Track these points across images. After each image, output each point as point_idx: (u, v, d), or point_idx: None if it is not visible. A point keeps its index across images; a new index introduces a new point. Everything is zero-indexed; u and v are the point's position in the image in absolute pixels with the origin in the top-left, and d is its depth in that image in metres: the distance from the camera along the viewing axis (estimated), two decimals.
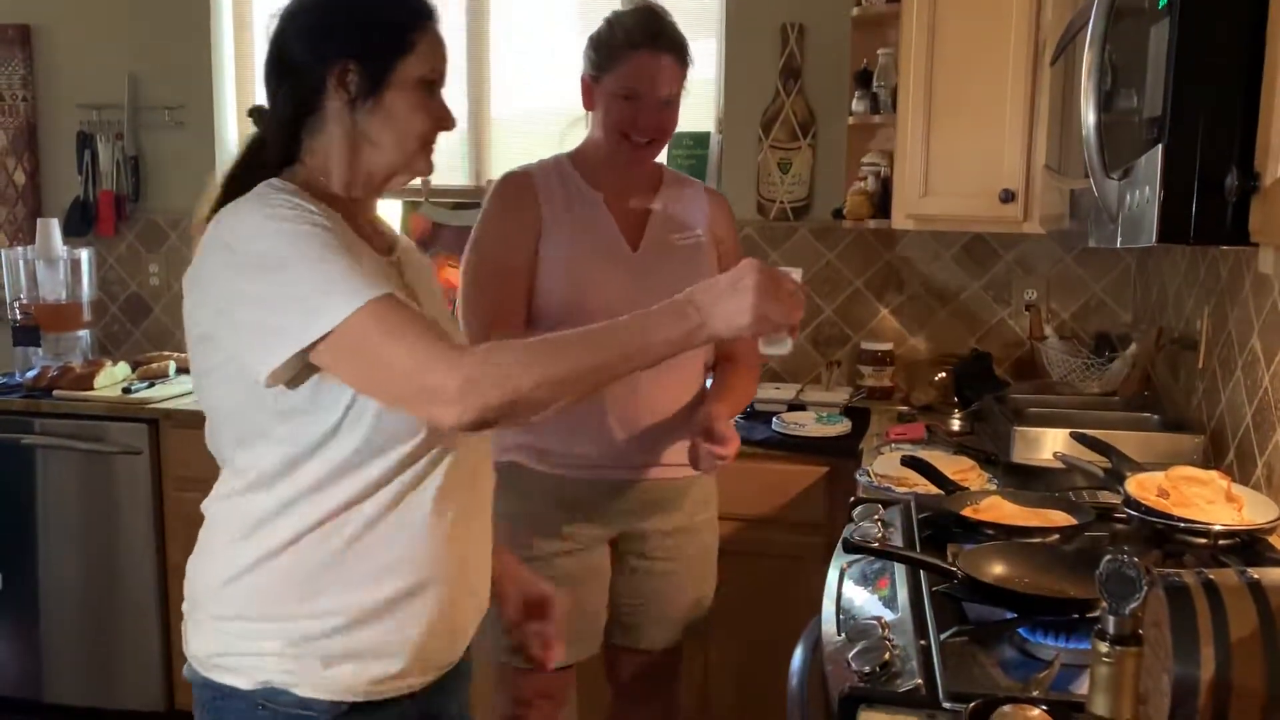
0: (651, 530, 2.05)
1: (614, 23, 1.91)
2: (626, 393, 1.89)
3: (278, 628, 1.29)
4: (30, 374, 3.16)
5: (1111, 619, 0.88)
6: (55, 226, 3.35)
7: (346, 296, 1.19)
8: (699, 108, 3.31)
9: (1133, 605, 0.87)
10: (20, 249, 3.35)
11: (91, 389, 3.06)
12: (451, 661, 1.42)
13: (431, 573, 1.33)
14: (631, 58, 1.87)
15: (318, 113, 1.33)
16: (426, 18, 1.36)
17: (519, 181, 1.96)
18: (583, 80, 1.95)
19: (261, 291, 1.21)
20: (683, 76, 1.93)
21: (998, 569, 1.48)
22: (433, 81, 1.36)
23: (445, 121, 1.38)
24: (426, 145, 1.38)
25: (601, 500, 1.98)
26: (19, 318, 3.33)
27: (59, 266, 3.32)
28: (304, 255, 1.21)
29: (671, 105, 1.92)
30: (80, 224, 3.59)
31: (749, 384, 2.12)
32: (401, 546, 1.31)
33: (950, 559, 1.53)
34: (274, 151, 1.35)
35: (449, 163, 3.44)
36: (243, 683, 1.30)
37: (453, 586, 1.36)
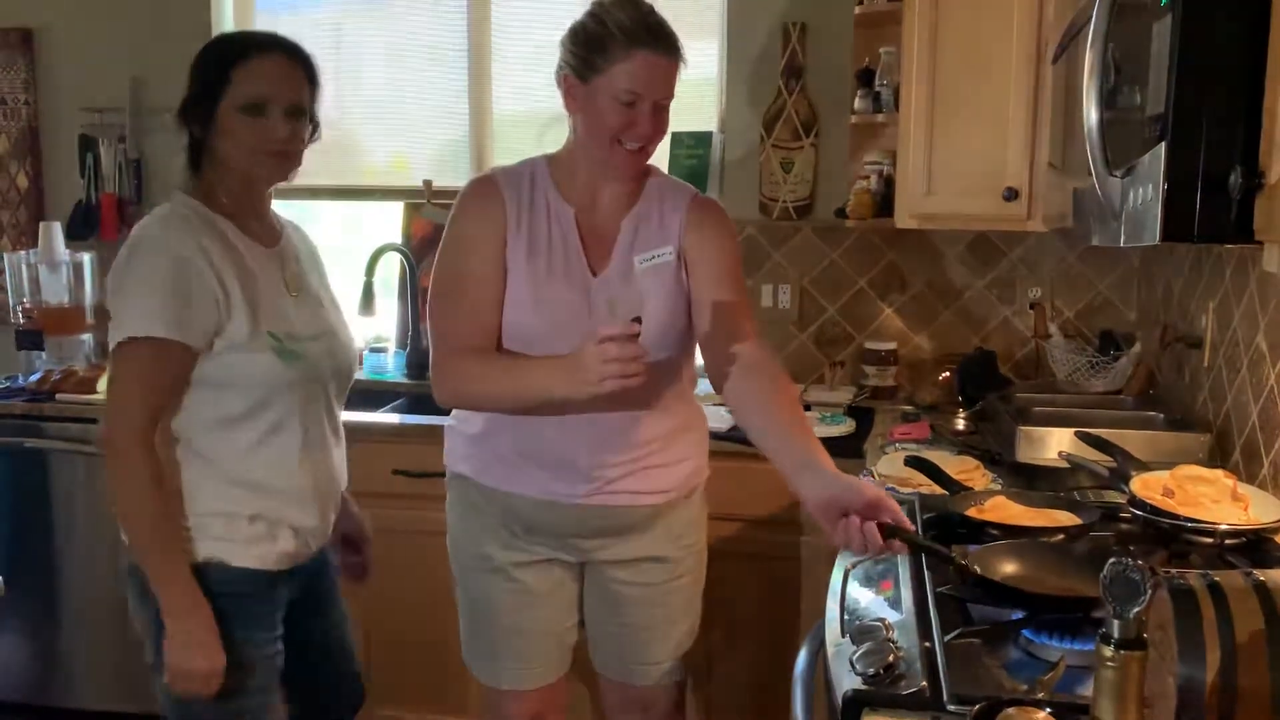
0: (612, 559, 1.92)
1: (604, 17, 1.72)
2: (572, 416, 1.77)
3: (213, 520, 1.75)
4: (33, 378, 3.16)
5: (1116, 623, 0.87)
6: (58, 230, 3.35)
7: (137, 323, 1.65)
8: (701, 108, 3.30)
9: (1137, 609, 0.86)
10: (23, 253, 3.35)
11: (95, 392, 3.06)
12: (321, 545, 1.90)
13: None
14: (631, 58, 1.69)
15: (199, 144, 1.76)
16: (242, 55, 1.72)
17: (484, 187, 1.82)
18: (565, 80, 1.77)
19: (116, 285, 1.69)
20: (677, 75, 1.76)
21: (1006, 568, 1.48)
22: (257, 104, 1.71)
23: (268, 134, 1.72)
24: (269, 154, 1.73)
25: (550, 522, 1.87)
26: (22, 321, 3.32)
27: (62, 270, 3.32)
28: (148, 274, 1.66)
29: (666, 108, 1.76)
30: (83, 227, 3.58)
31: (798, 402, 1.82)
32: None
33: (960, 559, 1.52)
34: (185, 172, 1.79)
35: (451, 164, 3.44)
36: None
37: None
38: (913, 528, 1.48)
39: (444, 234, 1.85)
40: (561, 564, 1.94)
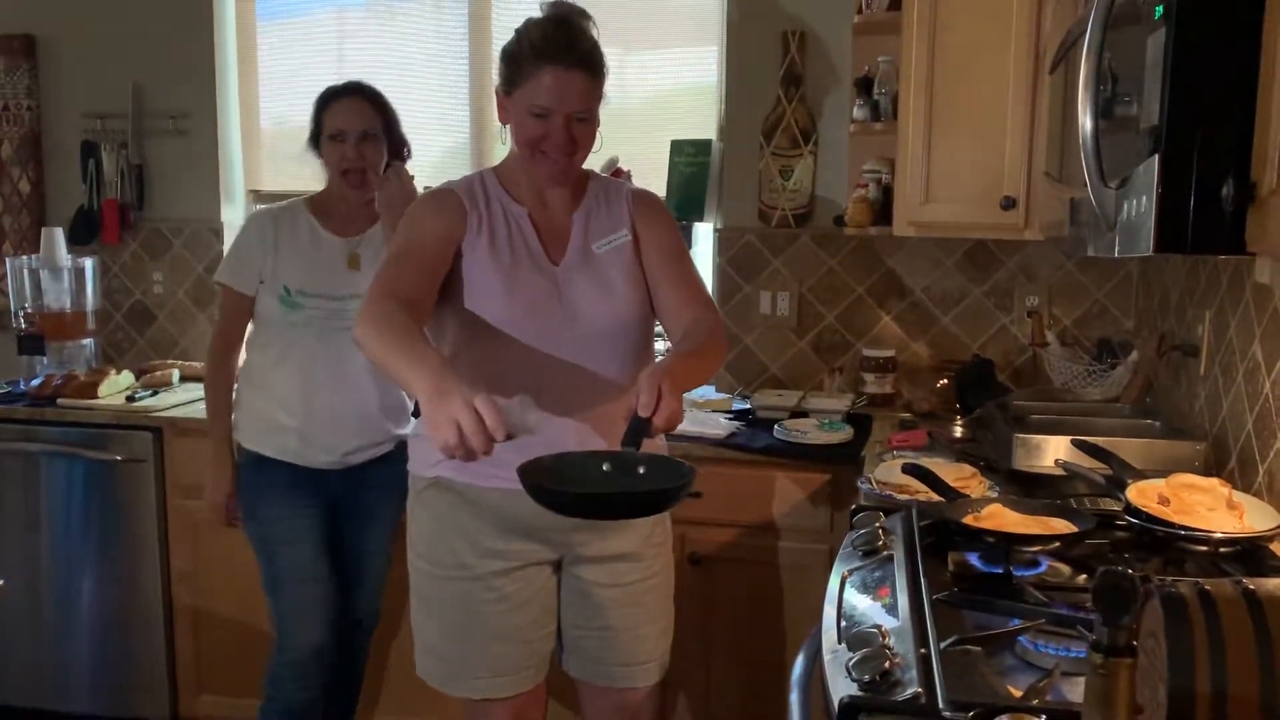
0: (596, 554, 1.96)
1: (522, 35, 1.83)
2: (556, 399, 1.81)
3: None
4: (35, 382, 3.17)
5: (1105, 630, 0.88)
6: (60, 235, 3.36)
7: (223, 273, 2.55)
8: (701, 115, 3.32)
9: (1127, 617, 0.87)
10: (25, 258, 3.36)
11: (95, 397, 3.08)
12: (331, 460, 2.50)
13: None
14: (539, 74, 1.78)
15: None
16: (330, 98, 2.47)
17: (443, 193, 1.93)
18: (496, 94, 1.89)
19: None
20: (595, 90, 1.83)
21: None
22: (334, 135, 2.44)
23: (341, 162, 2.45)
24: (342, 174, 2.46)
25: (535, 514, 1.82)
26: (24, 326, 3.34)
27: (64, 275, 3.33)
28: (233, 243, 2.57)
29: (585, 120, 1.83)
30: (85, 233, 3.60)
31: (717, 352, 1.87)
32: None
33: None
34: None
35: (452, 171, 3.45)
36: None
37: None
38: (647, 414, 1.59)
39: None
40: (539, 568, 1.96)
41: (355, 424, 2.48)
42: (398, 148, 2.53)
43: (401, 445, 2.46)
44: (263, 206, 2.55)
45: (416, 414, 2.04)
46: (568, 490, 1.60)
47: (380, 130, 2.47)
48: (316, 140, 2.48)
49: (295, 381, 2.45)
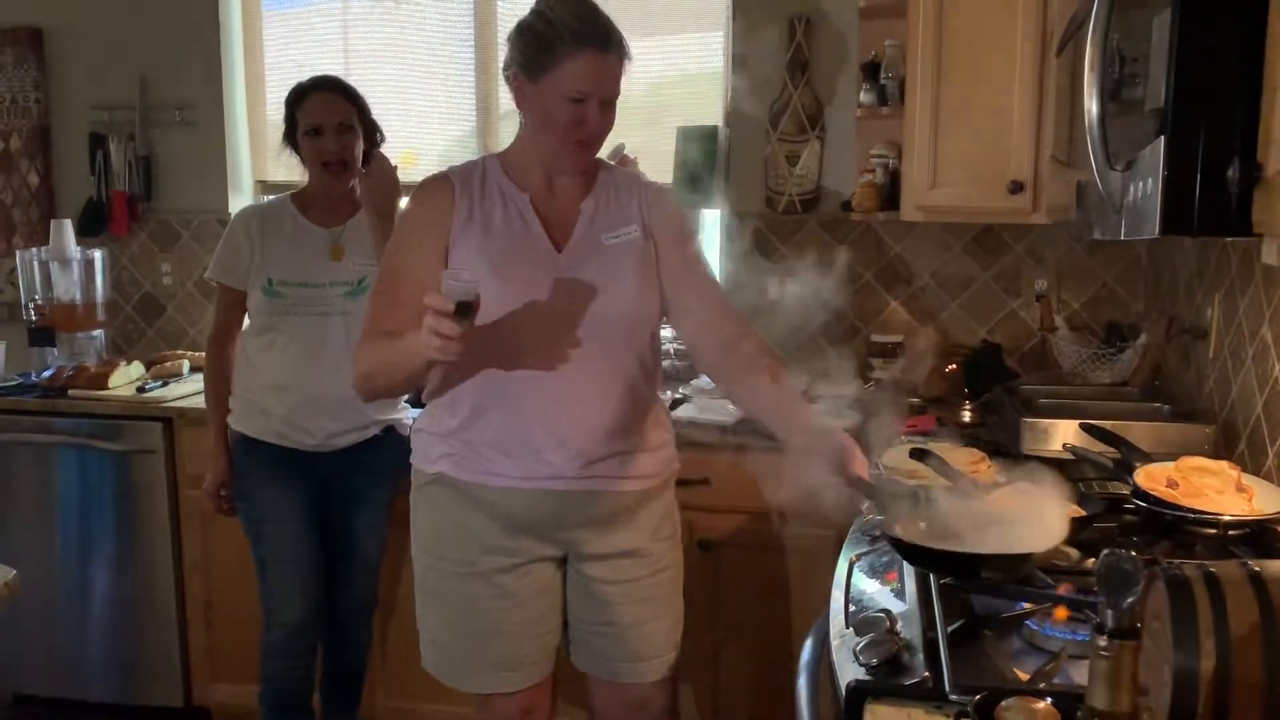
0: (601, 550, 1.93)
1: (551, 18, 1.75)
2: (553, 395, 1.81)
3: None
4: (46, 374, 3.19)
5: (1110, 612, 0.88)
6: (69, 227, 3.37)
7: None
8: (707, 102, 3.31)
9: (1130, 599, 0.87)
10: (35, 250, 3.38)
11: (106, 388, 3.09)
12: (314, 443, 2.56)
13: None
14: (578, 58, 1.72)
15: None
16: (302, 94, 2.51)
17: (435, 182, 1.87)
18: (515, 78, 1.81)
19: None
20: (623, 73, 1.80)
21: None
22: (311, 130, 2.49)
23: (321, 155, 2.50)
24: (323, 167, 2.51)
25: (535, 512, 1.87)
26: (34, 318, 3.35)
27: (73, 267, 3.34)
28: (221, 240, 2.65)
29: (614, 104, 1.80)
30: (93, 224, 3.61)
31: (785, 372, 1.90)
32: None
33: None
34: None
35: (459, 158, 3.44)
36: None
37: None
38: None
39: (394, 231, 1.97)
40: (543, 564, 1.94)
41: (334, 408, 2.52)
42: (370, 134, 2.58)
43: (389, 430, 2.59)
44: (248, 205, 2.58)
45: (418, 404, 2.03)
46: (947, 550, 1.50)
47: (355, 120, 2.53)
48: (291, 137, 2.55)
49: (278, 366, 2.53)
